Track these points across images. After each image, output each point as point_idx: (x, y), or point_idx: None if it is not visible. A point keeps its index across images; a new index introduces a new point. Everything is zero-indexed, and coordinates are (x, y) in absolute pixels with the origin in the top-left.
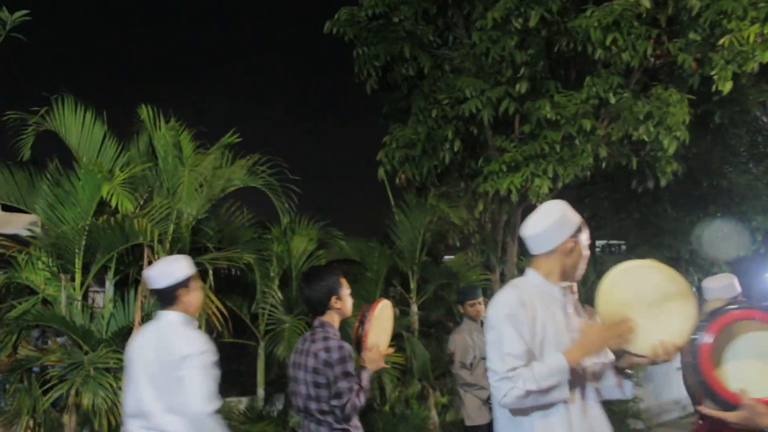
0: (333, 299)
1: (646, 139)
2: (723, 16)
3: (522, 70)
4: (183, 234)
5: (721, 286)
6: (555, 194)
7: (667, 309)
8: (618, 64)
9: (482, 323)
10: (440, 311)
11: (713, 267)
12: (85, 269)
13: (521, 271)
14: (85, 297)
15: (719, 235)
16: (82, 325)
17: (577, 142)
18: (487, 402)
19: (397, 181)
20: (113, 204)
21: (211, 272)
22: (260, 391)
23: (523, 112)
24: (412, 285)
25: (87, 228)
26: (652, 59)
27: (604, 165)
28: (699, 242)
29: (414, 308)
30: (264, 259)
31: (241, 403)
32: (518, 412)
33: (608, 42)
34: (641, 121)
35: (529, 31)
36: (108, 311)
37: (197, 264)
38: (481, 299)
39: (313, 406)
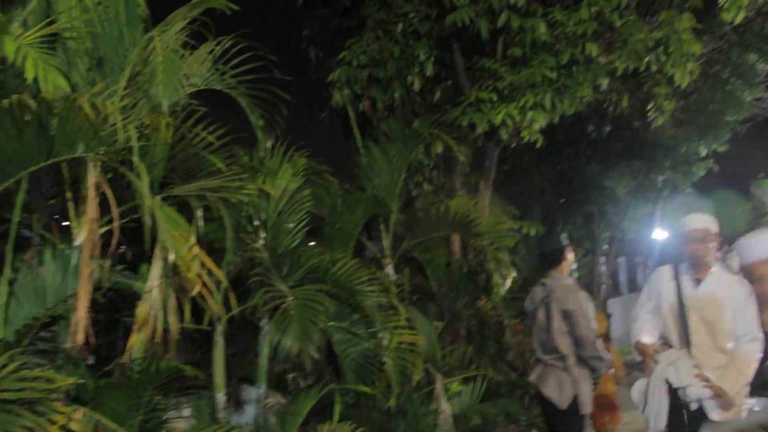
0: None
1: (653, 69)
2: None
3: None
4: (158, 147)
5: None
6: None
7: None
8: None
9: None
10: (415, 274)
11: (623, 223)
12: None
13: None
14: None
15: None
16: None
17: (574, 69)
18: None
19: (361, 106)
20: (27, 76)
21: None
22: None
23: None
24: (386, 242)
25: None
26: None
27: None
28: (615, 199)
29: (390, 271)
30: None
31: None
32: None
33: None
34: (651, 49)
35: None
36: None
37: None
38: None
39: None
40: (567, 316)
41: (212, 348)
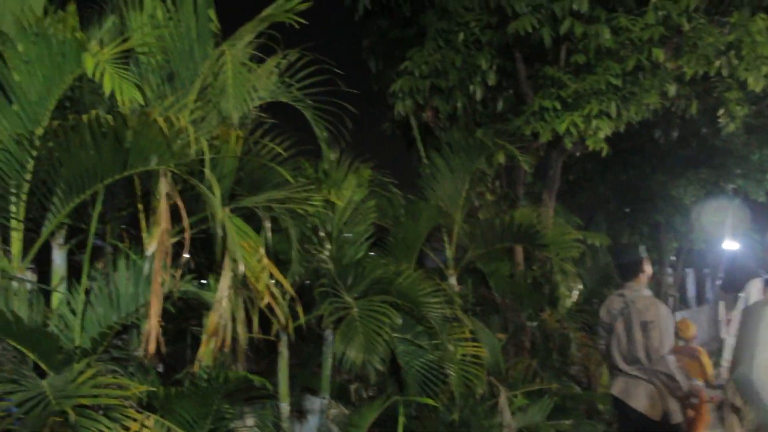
0: None
1: (724, 74)
2: None
3: None
4: (228, 159)
5: None
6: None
7: None
8: None
9: None
10: (479, 285)
11: (691, 233)
12: (30, 220)
13: None
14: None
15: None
16: (35, 325)
17: (640, 76)
18: None
19: (424, 116)
20: (105, 90)
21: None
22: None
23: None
24: (449, 252)
25: (41, 137)
26: None
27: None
28: (683, 208)
29: (453, 281)
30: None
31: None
32: None
33: None
34: (722, 53)
35: None
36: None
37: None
38: None
39: None
40: (644, 326)
41: (276, 358)
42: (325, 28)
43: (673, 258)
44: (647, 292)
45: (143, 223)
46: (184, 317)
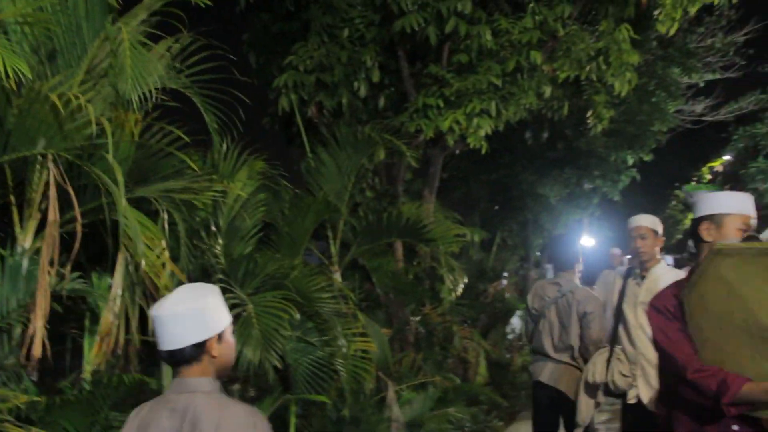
0: None
1: (593, 78)
2: None
3: None
4: (124, 144)
5: None
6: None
7: None
8: None
9: None
10: (363, 281)
11: (555, 230)
12: None
13: None
14: None
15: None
16: None
17: (519, 77)
18: None
19: (309, 112)
20: None
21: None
22: None
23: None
24: (334, 248)
25: None
26: None
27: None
28: (549, 206)
29: (337, 277)
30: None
31: None
32: None
33: None
34: (592, 58)
35: None
36: None
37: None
38: None
39: None
40: (584, 317)
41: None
42: (205, 23)
43: (538, 253)
44: (581, 285)
45: (16, 217)
46: (62, 319)
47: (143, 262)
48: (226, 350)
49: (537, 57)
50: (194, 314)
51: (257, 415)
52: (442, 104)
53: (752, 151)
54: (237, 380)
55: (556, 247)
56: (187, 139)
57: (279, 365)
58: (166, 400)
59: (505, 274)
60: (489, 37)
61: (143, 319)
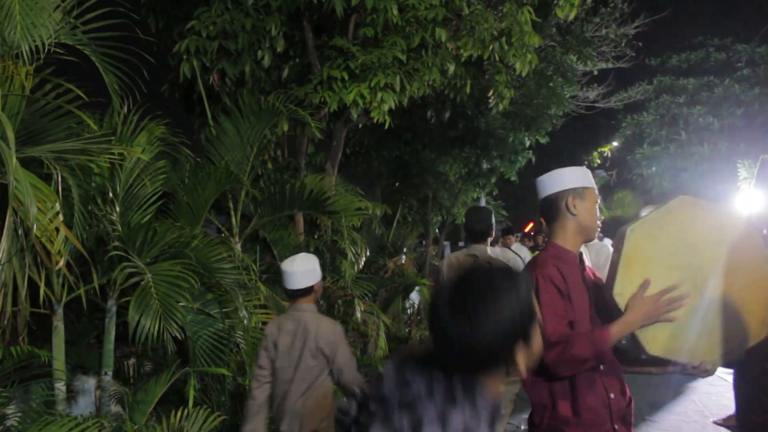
0: None
1: (495, 58)
2: None
3: None
4: (14, 98)
5: None
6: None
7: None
8: None
9: None
10: (264, 253)
11: (453, 207)
12: None
13: None
14: None
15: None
16: None
17: (424, 53)
18: None
19: (210, 79)
20: None
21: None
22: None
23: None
24: (235, 219)
25: None
26: None
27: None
28: (448, 184)
29: (238, 249)
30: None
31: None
32: None
33: None
34: (495, 38)
35: None
36: None
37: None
38: None
39: None
40: None
41: (48, 334)
42: None
43: (437, 230)
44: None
45: None
46: None
47: (35, 227)
48: (320, 290)
49: (442, 34)
50: (309, 270)
51: (339, 325)
52: (346, 77)
53: (638, 139)
54: (132, 354)
55: (471, 219)
56: (85, 97)
57: (179, 336)
58: (290, 314)
59: (405, 250)
60: (395, 12)
61: (34, 288)
